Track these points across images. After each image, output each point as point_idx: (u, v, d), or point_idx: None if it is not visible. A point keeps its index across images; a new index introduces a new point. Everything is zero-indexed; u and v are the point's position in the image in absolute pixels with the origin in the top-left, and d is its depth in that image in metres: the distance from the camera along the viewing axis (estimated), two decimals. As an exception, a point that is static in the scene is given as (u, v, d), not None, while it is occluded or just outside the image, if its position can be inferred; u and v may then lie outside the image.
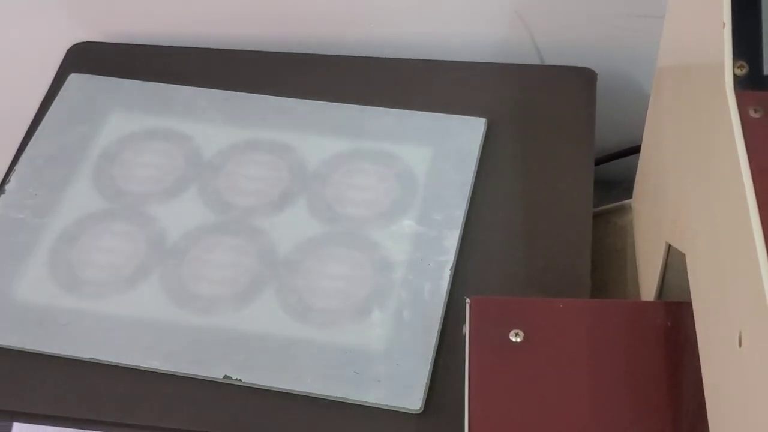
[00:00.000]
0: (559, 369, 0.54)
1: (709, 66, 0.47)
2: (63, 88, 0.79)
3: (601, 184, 0.75)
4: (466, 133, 0.75)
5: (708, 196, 0.48)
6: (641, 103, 0.76)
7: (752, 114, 0.43)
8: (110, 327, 0.65)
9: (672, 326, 0.55)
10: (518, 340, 0.54)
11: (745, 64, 0.44)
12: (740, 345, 0.40)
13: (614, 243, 0.77)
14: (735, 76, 0.44)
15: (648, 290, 0.65)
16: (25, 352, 0.65)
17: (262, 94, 0.79)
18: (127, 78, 0.81)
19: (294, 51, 0.84)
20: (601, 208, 0.78)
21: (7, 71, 0.92)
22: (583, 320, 0.55)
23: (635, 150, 0.82)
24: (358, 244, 0.69)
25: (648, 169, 0.69)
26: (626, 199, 0.78)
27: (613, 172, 0.85)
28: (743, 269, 0.41)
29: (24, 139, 0.77)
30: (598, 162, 0.82)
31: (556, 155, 0.75)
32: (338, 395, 0.61)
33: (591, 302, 0.60)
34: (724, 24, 0.44)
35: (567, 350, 0.54)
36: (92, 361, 0.64)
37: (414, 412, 0.60)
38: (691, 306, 0.50)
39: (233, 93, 0.79)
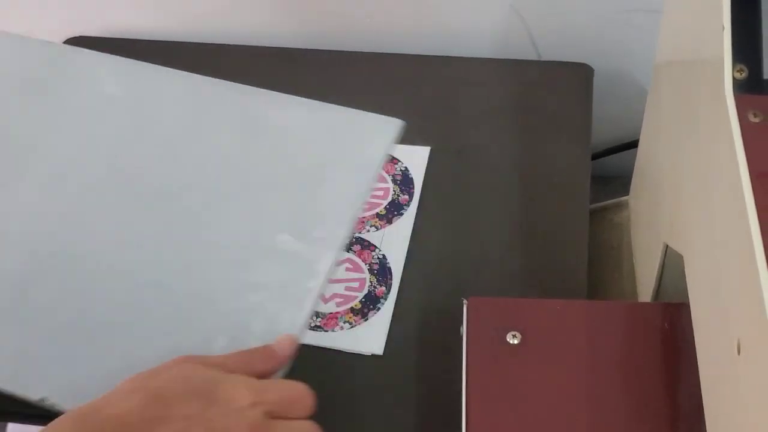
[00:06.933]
0: (557, 371, 0.53)
1: (708, 66, 0.47)
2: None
3: (597, 178, 0.75)
4: (375, 135, 0.62)
5: (706, 200, 0.48)
6: (638, 98, 0.76)
7: (752, 119, 0.43)
8: None
9: (669, 328, 0.54)
10: (515, 341, 0.54)
11: (744, 68, 0.44)
12: (739, 353, 0.40)
13: (610, 240, 0.77)
14: (734, 80, 0.44)
15: (645, 289, 0.64)
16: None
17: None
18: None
19: (289, 46, 0.84)
20: (597, 204, 0.78)
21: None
22: (580, 321, 0.55)
23: (632, 145, 0.82)
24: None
25: (645, 167, 0.69)
26: (623, 194, 0.78)
27: (610, 166, 0.85)
28: (742, 277, 0.40)
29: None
30: (595, 156, 0.82)
31: (553, 151, 0.75)
32: None
33: (588, 303, 0.60)
34: (723, 27, 0.44)
35: (564, 352, 0.54)
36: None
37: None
38: (689, 308, 0.50)
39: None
